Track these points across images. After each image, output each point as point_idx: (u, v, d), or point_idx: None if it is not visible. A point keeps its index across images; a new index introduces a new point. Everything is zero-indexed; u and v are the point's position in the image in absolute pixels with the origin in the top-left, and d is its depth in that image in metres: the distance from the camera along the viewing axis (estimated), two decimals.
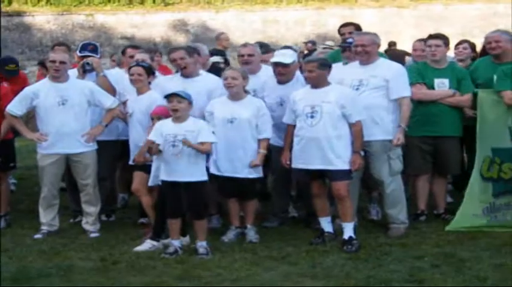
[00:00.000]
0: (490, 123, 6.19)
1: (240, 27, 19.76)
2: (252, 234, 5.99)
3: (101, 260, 5.42)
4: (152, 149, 5.61)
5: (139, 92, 6.18)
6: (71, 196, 6.80)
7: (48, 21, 20.47)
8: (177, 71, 6.63)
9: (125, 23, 20.76)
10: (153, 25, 20.74)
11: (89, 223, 6.32)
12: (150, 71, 6.21)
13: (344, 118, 5.74)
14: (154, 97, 6.03)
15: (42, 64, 8.11)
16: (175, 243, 5.58)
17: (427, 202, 6.69)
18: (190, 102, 5.56)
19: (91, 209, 6.32)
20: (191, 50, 6.53)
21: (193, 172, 5.52)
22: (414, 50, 7.46)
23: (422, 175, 6.65)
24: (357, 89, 5.99)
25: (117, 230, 6.40)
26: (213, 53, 10.38)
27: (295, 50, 7.25)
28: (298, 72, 6.40)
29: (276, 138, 6.26)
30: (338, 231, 5.89)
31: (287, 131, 6.01)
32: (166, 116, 5.65)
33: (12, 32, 20.10)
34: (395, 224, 6.15)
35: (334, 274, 5.00)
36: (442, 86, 6.52)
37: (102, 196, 6.47)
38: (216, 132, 5.76)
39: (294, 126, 5.90)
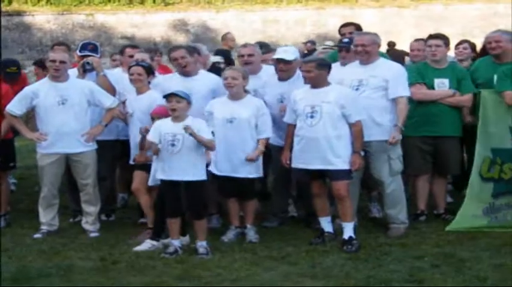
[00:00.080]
0: (491, 123, 6.19)
1: (240, 27, 19.75)
2: (251, 234, 5.99)
3: (100, 260, 5.42)
4: (153, 148, 5.61)
5: (139, 91, 6.18)
6: (70, 195, 6.80)
7: (48, 21, 20.47)
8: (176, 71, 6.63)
9: (125, 22, 20.77)
10: (153, 25, 20.75)
11: (89, 223, 6.32)
12: (149, 71, 6.21)
13: (344, 118, 5.73)
14: (154, 97, 6.03)
15: (37, 64, 8.09)
16: (175, 243, 5.58)
17: (427, 202, 6.68)
18: (189, 102, 5.56)
19: (91, 209, 6.32)
20: (191, 50, 6.53)
21: (193, 171, 5.52)
22: (411, 50, 7.47)
23: (422, 175, 6.64)
24: (357, 89, 5.98)
25: (117, 230, 6.40)
26: (219, 52, 10.38)
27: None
28: (299, 70, 6.40)
29: (275, 138, 6.26)
30: (338, 231, 5.89)
31: (287, 130, 6.01)
32: (166, 116, 5.64)
33: (12, 31, 20.10)
34: (395, 224, 6.15)
35: (334, 274, 5.00)
36: (442, 86, 6.52)
37: (102, 196, 6.47)
38: (215, 132, 5.76)
39: (295, 126, 5.89)
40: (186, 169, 5.50)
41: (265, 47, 7.46)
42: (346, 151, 5.74)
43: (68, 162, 6.26)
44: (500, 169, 6.19)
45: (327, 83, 5.83)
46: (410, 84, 6.38)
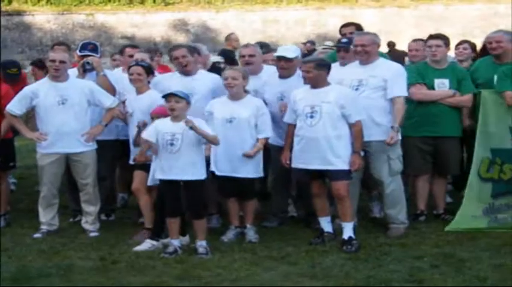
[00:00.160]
0: (491, 123, 6.18)
1: (240, 27, 19.75)
2: (251, 234, 5.99)
3: (100, 260, 5.42)
4: (151, 147, 5.61)
5: (139, 91, 6.18)
6: (70, 195, 6.80)
7: (48, 21, 20.47)
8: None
9: (125, 22, 20.77)
10: (153, 25, 20.75)
11: (89, 223, 6.32)
12: (149, 71, 6.21)
13: (344, 118, 5.73)
14: (154, 96, 6.03)
15: (35, 64, 8.08)
16: (175, 243, 5.58)
17: (427, 202, 6.68)
18: (188, 102, 5.56)
19: (91, 209, 6.32)
20: (192, 49, 6.54)
21: (192, 170, 5.52)
22: (410, 50, 7.46)
23: (422, 175, 6.64)
24: (357, 89, 5.98)
25: (117, 230, 6.40)
26: (223, 53, 10.36)
27: None
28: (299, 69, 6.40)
29: (275, 138, 6.26)
30: (338, 231, 5.89)
31: (287, 130, 6.01)
32: (166, 116, 5.64)
33: (12, 31, 20.10)
34: (395, 224, 6.15)
35: (334, 274, 5.00)
36: (442, 86, 6.51)
37: (101, 196, 6.47)
38: (215, 132, 5.76)
39: (295, 126, 5.89)
40: (185, 168, 5.50)
41: (265, 47, 7.46)
42: (346, 151, 5.74)
43: (67, 162, 6.26)
44: (500, 169, 6.19)
45: (327, 83, 5.83)
46: (411, 85, 6.39)
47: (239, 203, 6.08)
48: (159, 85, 6.25)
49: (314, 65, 5.78)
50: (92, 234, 6.23)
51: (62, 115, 6.12)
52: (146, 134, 5.62)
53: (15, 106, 6.18)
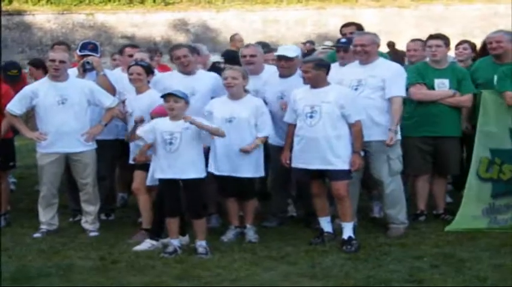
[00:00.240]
0: (491, 124, 6.18)
1: (241, 27, 19.74)
2: (251, 234, 5.99)
3: (100, 260, 5.42)
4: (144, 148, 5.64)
5: (139, 91, 6.18)
6: (70, 195, 6.80)
7: (48, 21, 20.48)
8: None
9: (125, 22, 20.78)
10: (153, 24, 20.75)
11: (88, 222, 6.32)
12: (149, 70, 6.21)
13: (343, 118, 5.73)
14: (153, 96, 6.03)
15: (32, 63, 8.07)
16: (175, 242, 5.58)
17: (427, 202, 6.68)
18: (187, 102, 5.56)
19: (90, 209, 6.32)
20: (192, 49, 6.54)
21: (191, 169, 5.52)
22: (408, 50, 7.45)
23: (422, 175, 6.64)
24: (356, 89, 5.98)
25: (117, 230, 6.40)
26: (227, 53, 10.34)
27: None
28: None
29: (275, 138, 6.27)
30: (337, 231, 5.89)
31: (288, 130, 6.01)
32: (166, 115, 5.64)
33: (13, 31, 20.10)
34: (394, 224, 6.15)
35: (334, 274, 5.00)
36: (442, 86, 6.51)
37: (101, 195, 6.47)
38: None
39: (295, 125, 5.89)
40: (184, 167, 5.50)
41: (266, 47, 7.46)
42: (346, 150, 5.74)
43: (67, 161, 6.26)
44: (499, 170, 6.19)
45: (327, 83, 5.83)
46: (411, 85, 6.39)
47: (239, 203, 6.08)
48: (159, 84, 6.26)
49: (313, 65, 5.78)
50: (92, 234, 6.23)
51: (62, 115, 6.12)
52: (141, 131, 5.64)
53: (15, 106, 6.18)
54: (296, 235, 6.16)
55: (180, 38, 20.29)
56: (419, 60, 6.99)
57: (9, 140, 6.76)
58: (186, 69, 6.36)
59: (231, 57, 9.82)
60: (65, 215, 6.74)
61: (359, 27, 7.03)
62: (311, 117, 5.74)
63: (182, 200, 5.58)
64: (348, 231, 5.74)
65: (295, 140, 5.87)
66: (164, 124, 5.56)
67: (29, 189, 8.15)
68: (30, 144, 7.38)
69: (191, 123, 5.41)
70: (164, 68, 8.25)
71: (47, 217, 6.28)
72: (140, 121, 5.85)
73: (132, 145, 6.21)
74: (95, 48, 6.90)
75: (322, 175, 5.87)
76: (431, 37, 6.73)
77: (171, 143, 5.50)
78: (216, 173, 5.92)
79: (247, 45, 6.87)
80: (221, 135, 5.63)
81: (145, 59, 6.48)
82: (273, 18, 21.09)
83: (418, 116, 6.48)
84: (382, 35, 6.43)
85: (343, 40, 6.58)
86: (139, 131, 5.68)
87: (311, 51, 12.72)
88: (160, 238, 5.79)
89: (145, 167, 5.94)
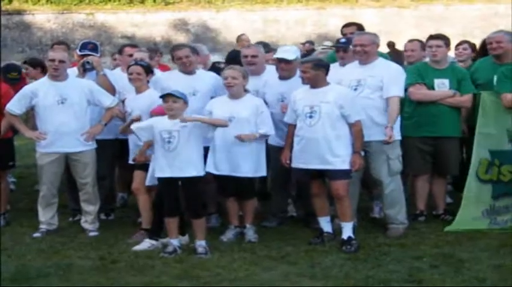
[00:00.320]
0: (490, 125, 6.17)
1: (241, 26, 19.75)
2: (251, 234, 5.99)
3: (99, 259, 5.42)
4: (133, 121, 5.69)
5: (138, 91, 6.18)
6: (70, 194, 6.80)
7: (48, 20, 20.48)
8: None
9: (126, 22, 20.78)
10: (153, 24, 20.76)
11: (88, 222, 6.32)
12: (148, 70, 6.21)
13: (343, 118, 5.73)
14: (153, 96, 6.02)
15: (28, 63, 8.05)
16: (174, 242, 5.58)
17: (427, 203, 6.68)
18: (185, 102, 5.57)
19: (90, 208, 6.32)
20: (192, 49, 6.55)
21: (190, 167, 5.52)
22: (405, 50, 7.45)
23: (422, 175, 6.64)
24: (356, 89, 5.99)
25: (116, 229, 6.40)
26: (233, 53, 10.31)
27: None
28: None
29: (275, 138, 6.27)
30: (337, 231, 5.89)
31: (288, 130, 6.01)
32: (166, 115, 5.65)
33: (13, 30, 20.11)
34: (394, 224, 6.14)
35: (333, 274, 5.00)
36: (442, 86, 6.51)
37: (101, 195, 6.47)
38: (215, 130, 5.77)
39: (295, 126, 5.89)
40: (183, 165, 5.50)
41: (266, 47, 7.45)
42: (345, 150, 5.74)
43: (67, 161, 6.26)
44: (499, 171, 6.18)
45: (326, 83, 5.83)
46: (410, 85, 6.39)
47: (238, 202, 6.08)
48: (159, 83, 6.26)
49: (312, 65, 5.78)
50: (91, 233, 6.23)
51: (62, 114, 6.12)
52: (136, 127, 5.65)
53: (14, 105, 6.19)
54: (296, 234, 6.16)
55: (180, 37, 20.31)
56: (417, 60, 6.99)
57: (9, 139, 6.76)
58: (188, 70, 6.36)
59: (237, 57, 9.80)
60: (65, 214, 6.75)
61: (360, 28, 7.03)
62: (310, 117, 5.74)
63: (181, 199, 5.58)
64: (347, 231, 5.74)
65: (295, 140, 5.88)
66: (162, 123, 5.56)
67: (28, 189, 8.16)
68: (30, 144, 7.38)
69: (187, 121, 5.40)
70: (164, 68, 8.25)
71: (46, 216, 6.28)
72: (137, 120, 5.86)
73: (131, 145, 6.21)
74: (94, 48, 6.90)
75: (321, 175, 5.87)
76: (431, 37, 6.73)
77: (169, 142, 5.51)
78: (216, 172, 5.92)
79: (249, 46, 6.87)
80: (224, 125, 5.63)
81: (145, 58, 6.48)
82: (273, 18, 21.10)
83: (418, 116, 6.47)
84: (382, 35, 6.44)
85: (343, 40, 6.58)
86: (134, 127, 5.69)
87: (310, 51, 12.70)
88: (159, 238, 5.79)
89: (144, 167, 5.95)
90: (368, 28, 7.28)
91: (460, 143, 6.71)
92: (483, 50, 6.95)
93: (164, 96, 5.55)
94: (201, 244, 5.55)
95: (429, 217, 6.62)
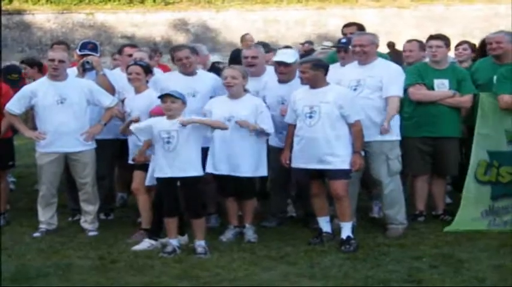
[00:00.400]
0: (489, 126, 6.17)
1: (240, 27, 19.75)
2: (250, 233, 5.99)
3: (99, 259, 5.42)
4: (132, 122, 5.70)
5: (138, 91, 6.18)
6: (69, 194, 6.80)
7: (48, 20, 20.48)
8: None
9: (125, 22, 20.78)
10: (153, 24, 20.76)
11: (88, 222, 6.32)
12: (148, 70, 6.20)
13: (343, 118, 5.73)
14: (152, 96, 6.02)
15: (25, 62, 8.04)
16: (174, 242, 5.58)
17: (426, 203, 6.68)
18: (184, 102, 5.57)
19: (90, 208, 6.32)
20: (192, 49, 6.54)
21: (190, 167, 5.52)
22: (404, 51, 7.46)
23: (421, 176, 6.64)
24: (355, 89, 5.99)
25: (116, 229, 6.40)
26: (237, 53, 10.31)
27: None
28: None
29: (274, 139, 6.27)
30: (337, 231, 5.88)
31: (288, 130, 6.01)
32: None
33: (13, 30, 20.11)
34: (393, 224, 6.14)
35: (333, 274, 5.00)
36: (442, 86, 6.51)
37: (100, 195, 6.47)
38: (214, 131, 5.77)
39: (295, 126, 5.89)
40: (182, 165, 5.50)
41: (266, 47, 7.45)
42: (345, 150, 5.74)
43: (66, 161, 6.26)
44: (497, 172, 6.18)
45: (326, 83, 5.83)
46: (410, 85, 6.38)
47: (238, 202, 6.08)
48: (159, 84, 6.25)
49: (310, 65, 5.78)
50: (91, 233, 6.23)
51: (61, 114, 6.12)
52: (135, 127, 5.66)
53: (14, 105, 6.19)
54: (295, 234, 6.16)
55: (180, 37, 20.31)
56: (416, 61, 6.99)
57: (9, 139, 6.76)
58: (188, 71, 6.36)
59: (236, 56, 9.79)
60: (64, 214, 6.75)
61: (360, 28, 7.02)
62: (310, 117, 5.74)
63: (180, 200, 5.58)
64: (346, 231, 5.74)
65: (295, 140, 5.88)
66: (161, 123, 5.56)
67: (28, 188, 8.16)
68: (30, 143, 7.38)
69: (185, 124, 5.41)
70: (164, 68, 8.25)
71: (46, 216, 6.28)
72: (136, 121, 5.86)
73: (131, 145, 6.21)
74: (94, 48, 6.91)
75: (321, 175, 5.87)
76: (431, 37, 6.73)
77: (168, 142, 5.51)
78: (215, 172, 5.92)
79: (249, 47, 6.86)
80: (222, 127, 5.63)
81: (144, 58, 6.48)
82: (273, 18, 21.10)
83: (418, 116, 6.47)
84: (382, 35, 6.45)
85: (344, 40, 6.57)
86: (133, 127, 5.70)
87: (309, 51, 12.69)
88: (159, 238, 5.79)
89: (144, 167, 5.95)
90: (368, 28, 7.28)
91: (460, 143, 6.71)
92: (482, 50, 6.95)
93: (162, 97, 5.55)
94: (200, 244, 5.55)
95: (429, 217, 6.62)
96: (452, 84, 6.49)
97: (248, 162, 5.91)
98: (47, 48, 14.43)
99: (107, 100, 6.27)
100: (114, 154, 6.77)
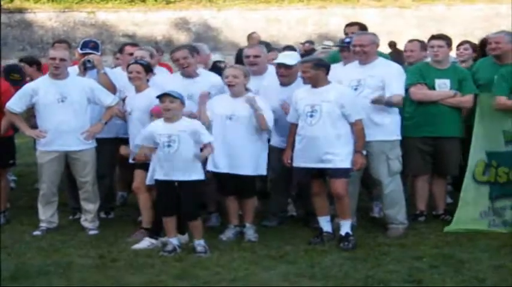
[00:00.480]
0: (487, 126, 6.17)
1: (242, 26, 19.75)
2: (250, 233, 5.98)
3: (99, 258, 5.42)
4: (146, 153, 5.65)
5: (138, 90, 6.17)
6: (70, 193, 6.80)
7: (49, 19, 20.49)
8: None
9: (127, 20, 20.79)
10: (154, 23, 20.77)
11: (88, 220, 6.32)
12: (148, 69, 6.20)
13: (344, 117, 5.73)
14: (153, 95, 6.00)
15: (24, 61, 8.02)
16: (174, 241, 5.57)
17: (427, 203, 6.67)
18: (182, 102, 5.56)
19: (90, 207, 6.32)
20: (193, 50, 6.53)
21: (191, 171, 5.51)
22: (405, 51, 7.46)
23: (422, 176, 6.63)
24: (356, 89, 5.98)
25: (116, 228, 6.39)
26: (241, 52, 10.29)
27: (294, 49, 7.21)
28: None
29: (276, 139, 6.27)
30: (337, 231, 5.88)
31: (290, 130, 6.01)
32: None
33: (14, 29, 20.12)
34: (394, 224, 6.14)
35: (333, 274, 4.99)
36: (443, 86, 6.50)
37: (101, 194, 6.47)
38: (214, 129, 5.79)
39: (297, 125, 5.89)
40: (183, 168, 5.49)
41: (267, 47, 7.45)
42: (345, 149, 5.73)
43: (67, 160, 6.26)
44: (496, 172, 6.18)
45: (327, 83, 5.82)
46: (411, 85, 6.38)
47: (238, 201, 6.07)
48: (160, 87, 6.21)
49: (311, 64, 5.79)
50: (91, 232, 6.23)
51: (62, 113, 6.12)
52: (141, 139, 5.65)
53: (15, 104, 6.19)
54: (295, 234, 6.15)
55: (181, 36, 20.32)
56: (416, 60, 6.98)
57: (10, 137, 6.76)
58: (186, 71, 6.35)
59: (241, 55, 9.76)
60: (65, 213, 6.74)
61: (362, 27, 7.01)
62: (311, 116, 5.74)
63: (179, 199, 5.56)
64: (345, 228, 5.74)
65: (297, 139, 5.88)
66: (160, 127, 5.55)
67: (28, 187, 8.15)
68: (31, 142, 7.40)
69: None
70: (166, 67, 8.23)
71: (46, 214, 6.29)
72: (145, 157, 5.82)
73: (131, 144, 6.20)
74: (96, 47, 6.91)
75: (322, 174, 5.87)
76: (433, 37, 6.73)
77: (169, 146, 5.50)
78: (215, 170, 5.92)
79: (251, 46, 6.85)
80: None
81: (145, 57, 6.47)
82: (274, 18, 21.09)
83: (419, 116, 6.47)
84: (383, 35, 6.44)
85: (347, 40, 6.54)
86: (139, 140, 5.67)
87: (310, 51, 12.69)
88: (159, 237, 5.79)
89: (145, 166, 5.94)
90: (369, 28, 7.27)
91: (461, 143, 6.70)
92: (481, 50, 6.94)
93: (161, 97, 5.55)
94: (200, 243, 5.54)
95: (429, 217, 6.61)
96: (454, 84, 6.49)
97: (248, 160, 5.91)
98: (48, 47, 14.43)
99: (108, 99, 6.27)
100: (115, 153, 6.76)
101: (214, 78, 6.47)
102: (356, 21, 7.58)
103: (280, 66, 6.28)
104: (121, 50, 7.21)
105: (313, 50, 12.62)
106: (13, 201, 7.23)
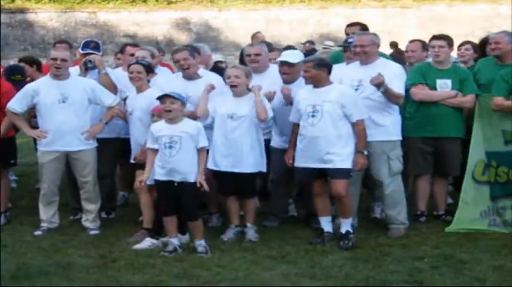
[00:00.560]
0: (486, 126, 6.17)
1: (243, 26, 19.77)
2: (251, 233, 5.98)
3: (100, 258, 5.42)
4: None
5: (139, 90, 6.17)
6: (71, 193, 6.80)
7: (51, 19, 20.51)
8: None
9: (128, 21, 20.81)
10: (155, 23, 20.79)
11: (89, 220, 6.33)
12: (149, 69, 6.20)
13: (345, 118, 5.73)
14: (154, 95, 6.01)
15: (24, 61, 8.02)
16: (174, 241, 5.57)
17: (428, 203, 6.67)
18: (183, 103, 5.56)
19: (91, 207, 6.32)
20: (194, 51, 6.53)
21: (191, 172, 5.51)
22: (406, 51, 7.46)
23: (423, 176, 6.63)
24: (356, 89, 5.98)
25: (117, 228, 6.40)
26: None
27: (295, 50, 7.20)
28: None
29: (277, 141, 6.28)
30: (337, 231, 5.88)
31: (292, 130, 6.01)
32: None
33: (15, 29, 20.15)
34: (395, 224, 6.14)
35: (333, 274, 4.99)
36: (444, 86, 6.50)
37: (102, 194, 6.47)
38: (216, 128, 5.81)
39: (299, 125, 5.90)
40: (184, 170, 5.49)
41: (268, 47, 7.44)
42: (346, 149, 5.73)
43: (68, 160, 6.26)
44: (495, 172, 6.17)
45: (329, 83, 5.83)
46: (413, 85, 6.38)
47: (239, 201, 6.07)
48: (160, 88, 6.21)
49: (313, 64, 5.79)
50: (92, 232, 6.23)
51: (63, 113, 6.12)
52: (150, 142, 5.64)
53: (16, 104, 6.19)
54: (296, 234, 6.15)
55: (182, 37, 20.34)
56: (418, 61, 6.98)
57: (11, 137, 6.76)
58: (186, 73, 6.36)
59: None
60: (66, 213, 6.74)
61: (364, 27, 7.01)
62: (313, 116, 5.74)
63: (179, 199, 5.56)
64: (345, 226, 5.75)
65: (298, 139, 5.88)
66: (162, 128, 5.55)
67: (29, 187, 8.16)
68: (32, 142, 7.39)
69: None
70: (167, 67, 8.23)
71: (47, 214, 6.29)
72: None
73: (133, 144, 6.21)
74: (97, 47, 6.91)
75: (324, 174, 5.86)
76: (434, 37, 6.73)
77: (170, 147, 5.49)
78: (215, 168, 5.92)
79: (252, 44, 6.85)
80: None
81: (146, 57, 6.47)
82: (275, 18, 21.11)
83: (420, 116, 6.47)
84: (384, 35, 6.44)
85: (351, 40, 6.54)
86: (150, 144, 5.65)
87: (310, 51, 12.69)
88: (160, 237, 5.79)
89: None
90: (370, 28, 7.28)
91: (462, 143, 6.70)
92: (482, 50, 6.94)
93: (161, 97, 5.55)
94: (200, 243, 5.54)
95: (430, 218, 6.61)
96: (455, 84, 6.48)
97: (248, 158, 5.90)
98: (49, 47, 14.46)
99: (109, 99, 6.27)
100: (116, 153, 6.77)
101: (215, 78, 6.47)
102: (357, 21, 7.58)
103: (283, 64, 6.29)
104: (122, 50, 7.22)
105: (314, 50, 12.64)
106: (14, 201, 7.24)
